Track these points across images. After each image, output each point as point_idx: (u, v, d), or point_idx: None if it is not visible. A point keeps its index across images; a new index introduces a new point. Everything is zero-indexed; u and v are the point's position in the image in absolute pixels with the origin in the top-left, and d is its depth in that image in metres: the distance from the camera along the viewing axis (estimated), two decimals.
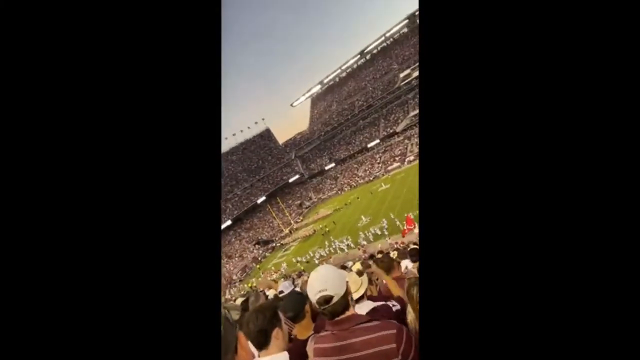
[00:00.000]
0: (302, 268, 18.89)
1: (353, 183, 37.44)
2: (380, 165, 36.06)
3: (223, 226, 40.67)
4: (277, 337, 1.16)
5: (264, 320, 1.15)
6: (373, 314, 1.47)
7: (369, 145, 40.78)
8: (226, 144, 54.05)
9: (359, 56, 53.68)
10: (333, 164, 43.99)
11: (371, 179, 34.63)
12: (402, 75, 42.75)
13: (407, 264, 3.40)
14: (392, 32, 49.04)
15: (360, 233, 18.64)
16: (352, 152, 42.79)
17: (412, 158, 30.89)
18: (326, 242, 20.92)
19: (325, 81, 57.22)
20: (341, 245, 18.86)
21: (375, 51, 53.59)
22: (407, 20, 45.88)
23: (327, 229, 24.71)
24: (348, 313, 1.09)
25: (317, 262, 18.70)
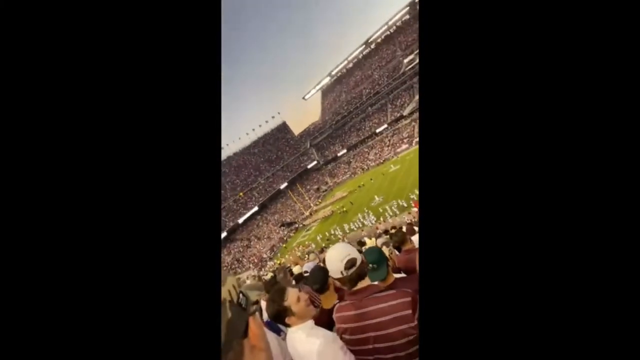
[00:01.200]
0: (323, 245, 18.62)
1: (365, 166, 36.32)
2: (389, 148, 35.19)
3: (251, 212, 41.51)
4: (291, 322, 1.14)
5: (274, 306, 1.15)
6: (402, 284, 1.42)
7: (377, 130, 39.61)
8: (247, 139, 55.48)
9: (364, 46, 51.76)
10: (345, 150, 43.32)
11: (382, 161, 33.50)
12: (406, 60, 40.91)
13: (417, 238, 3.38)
14: (394, 19, 46.65)
15: (381, 209, 18.19)
16: (362, 137, 41.87)
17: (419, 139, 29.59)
18: (351, 219, 20.46)
19: (333, 73, 55.68)
20: (365, 222, 18.52)
21: (379, 40, 51.35)
22: (408, 7, 43.56)
23: (345, 209, 24.47)
24: (364, 283, 1.12)
25: (340, 238, 18.62)
